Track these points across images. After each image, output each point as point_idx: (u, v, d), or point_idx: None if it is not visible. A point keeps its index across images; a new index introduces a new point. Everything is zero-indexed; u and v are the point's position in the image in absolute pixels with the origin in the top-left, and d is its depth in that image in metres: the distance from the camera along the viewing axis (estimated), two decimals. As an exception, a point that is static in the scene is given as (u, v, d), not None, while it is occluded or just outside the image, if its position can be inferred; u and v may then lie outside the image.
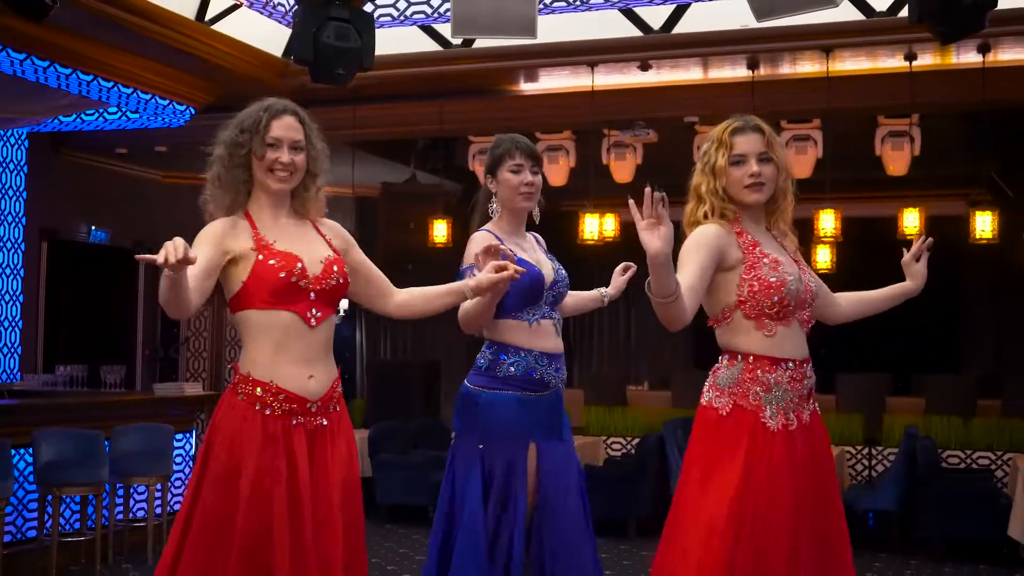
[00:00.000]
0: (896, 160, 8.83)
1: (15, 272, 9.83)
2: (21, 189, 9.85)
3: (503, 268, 3.33)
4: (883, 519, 8.60)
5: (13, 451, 6.82)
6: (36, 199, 9.98)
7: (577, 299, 4.23)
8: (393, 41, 7.72)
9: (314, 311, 3.18)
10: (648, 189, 2.84)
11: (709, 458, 3.24)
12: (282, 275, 3.13)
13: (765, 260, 3.26)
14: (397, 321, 13.19)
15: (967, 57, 7.62)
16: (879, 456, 9.33)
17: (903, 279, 3.75)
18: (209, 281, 3.10)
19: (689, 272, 3.15)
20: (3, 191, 9.71)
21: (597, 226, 9.03)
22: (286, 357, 3.14)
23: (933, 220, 8.66)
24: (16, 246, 9.83)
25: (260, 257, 3.14)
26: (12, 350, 9.77)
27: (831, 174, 8.67)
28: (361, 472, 3.46)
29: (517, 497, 3.73)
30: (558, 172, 9.63)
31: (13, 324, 9.79)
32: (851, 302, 3.68)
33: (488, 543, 3.71)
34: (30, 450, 7.08)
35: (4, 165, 9.72)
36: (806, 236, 8.31)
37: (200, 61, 7.77)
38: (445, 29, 7.65)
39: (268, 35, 7.77)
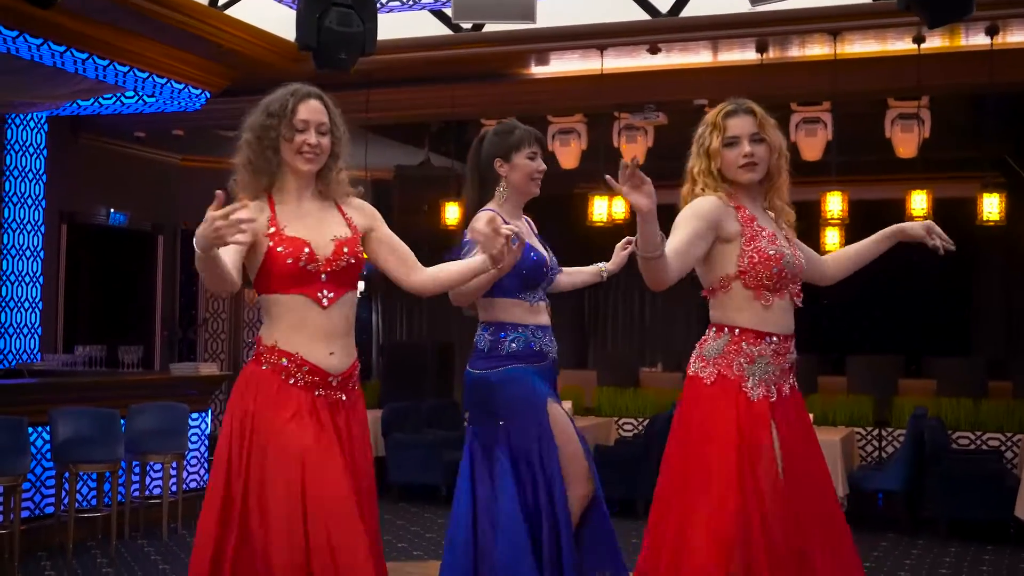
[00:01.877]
0: (906, 143, 8.81)
1: (35, 254, 9.96)
2: (41, 172, 9.98)
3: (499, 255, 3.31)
4: (891, 499, 8.64)
5: (31, 429, 6.95)
6: (55, 182, 10.12)
7: (573, 275, 4.32)
8: (405, 26, 7.79)
9: (325, 292, 3.23)
10: (623, 162, 2.96)
11: (694, 427, 3.36)
12: (289, 261, 3.20)
13: (763, 233, 3.39)
14: (412, 304, 13.33)
15: (975, 39, 7.63)
16: (889, 437, 9.34)
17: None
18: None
19: (679, 237, 3.27)
20: (23, 174, 9.84)
21: (607, 208, 9.08)
22: (306, 335, 3.22)
23: (941, 202, 8.66)
24: (36, 228, 9.96)
25: (271, 244, 3.22)
26: (32, 330, 9.92)
27: (839, 157, 8.67)
28: (374, 451, 3.52)
29: (553, 472, 3.81)
30: (569, 155, 9.67)
31: (33, 305, 9.94)
32: (837, 260, 3.78)
33: (530, 538, 3.77)
34: (47, 428, 7.21)
35: (24, 148, 9.84)
36: (813, 218, 8.32)
37: (214, 46, 7.87)
38: (455, 14, 7.71)
39: (280, 20, 7.84)
